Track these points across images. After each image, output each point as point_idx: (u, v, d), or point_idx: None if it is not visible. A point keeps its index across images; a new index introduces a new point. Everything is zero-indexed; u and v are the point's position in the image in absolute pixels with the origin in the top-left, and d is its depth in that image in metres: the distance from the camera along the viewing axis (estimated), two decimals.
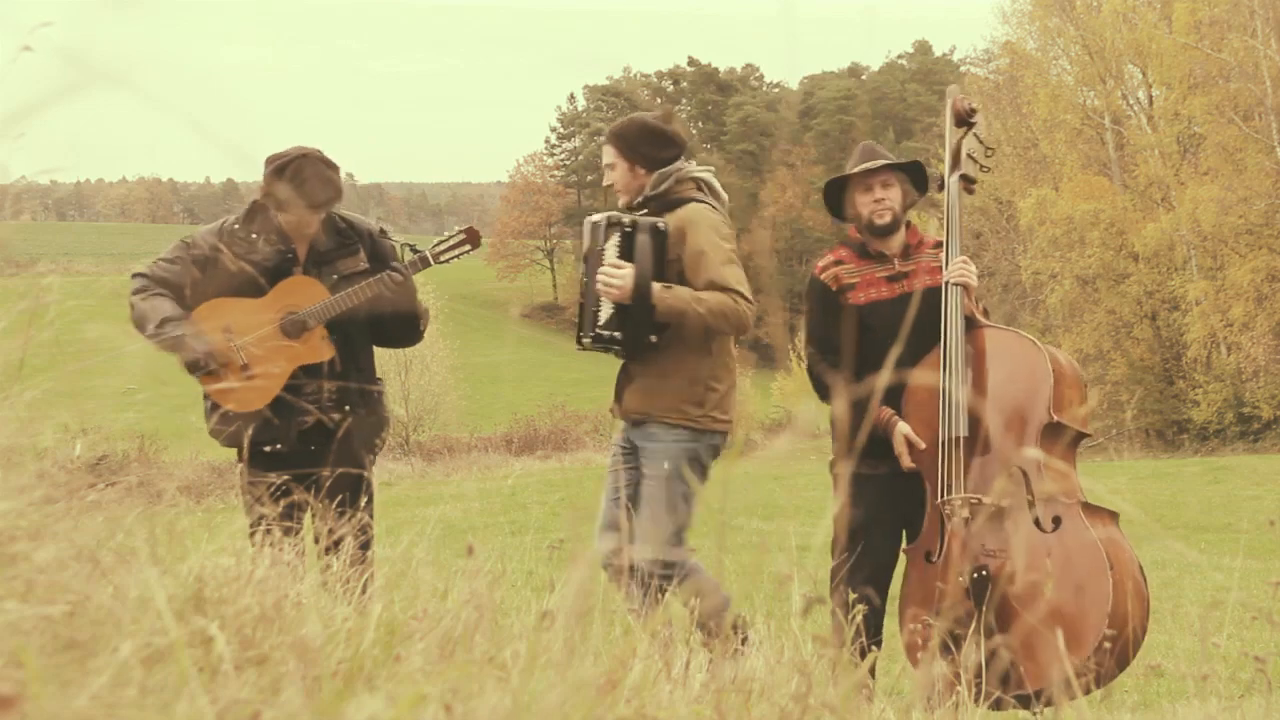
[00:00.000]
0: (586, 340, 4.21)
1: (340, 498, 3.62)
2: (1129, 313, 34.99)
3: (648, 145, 4.29)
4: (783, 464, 19.57)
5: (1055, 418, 4.05)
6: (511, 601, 3.98)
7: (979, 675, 3.70)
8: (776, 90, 77.02)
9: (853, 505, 4.28)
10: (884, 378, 4.12)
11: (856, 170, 4.35)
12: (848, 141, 68.95)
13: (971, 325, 4.22)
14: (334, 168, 4.17)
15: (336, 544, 2.64)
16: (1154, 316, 35.08)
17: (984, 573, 3.91)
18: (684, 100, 75.47)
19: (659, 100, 73.72)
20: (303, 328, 4.11)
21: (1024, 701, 3.79)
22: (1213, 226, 32.01)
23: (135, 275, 4.13)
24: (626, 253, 4.16)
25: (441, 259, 4.42)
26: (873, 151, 4.43)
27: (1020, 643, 3.78)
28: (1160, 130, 34.83)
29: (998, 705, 3.97)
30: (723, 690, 1.91)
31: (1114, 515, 4.05)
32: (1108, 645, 3.67)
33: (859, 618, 4.25)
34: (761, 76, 78.02)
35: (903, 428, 4.18)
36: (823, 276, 4.43)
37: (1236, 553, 9.17)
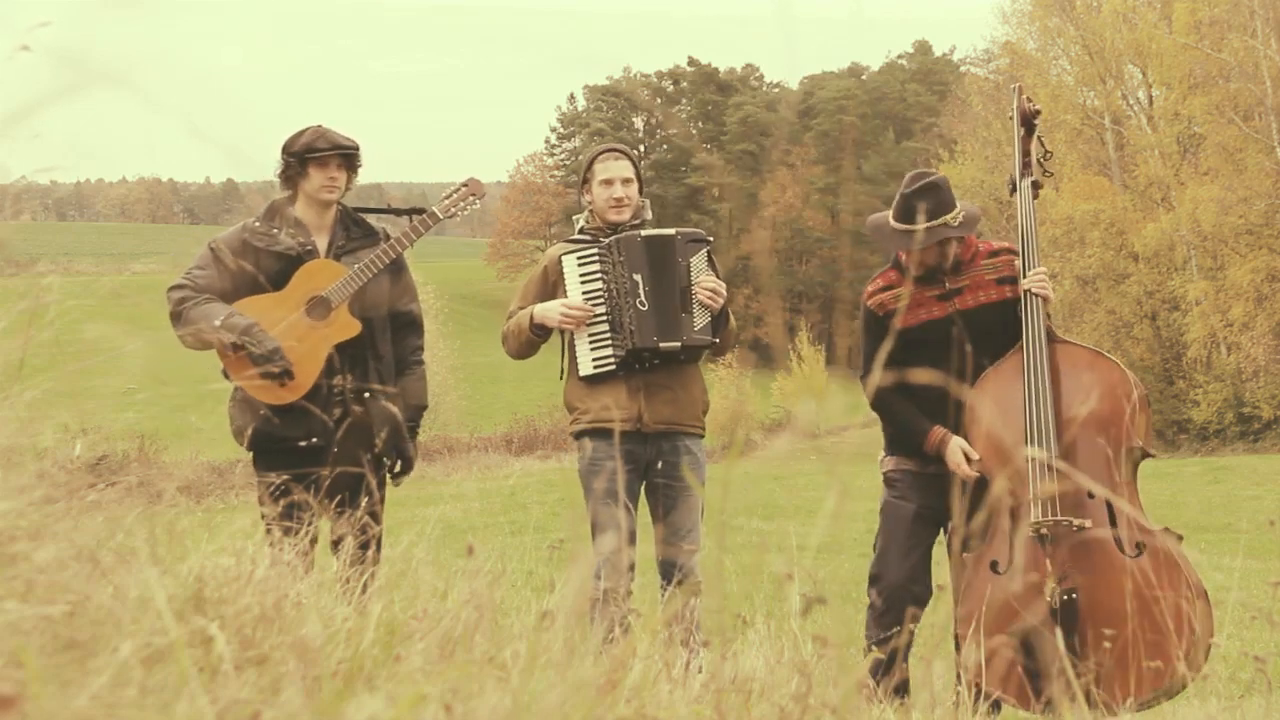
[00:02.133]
0: (672, 344, 4.38)
1: (360, 486, 3.64)
2: (1129, 313, 35.00)
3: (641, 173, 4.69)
4: (783, 464, 19.56)
5: (1139, 443, 3.98)
6: (511, 601, 3.98)
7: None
8: (776, 90, 77.00)
9: (901, 499, 4.27)
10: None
11: (908, 233, 4.07)
12: (848, 142, 68.97)
13: (1050, 339, 4.10)
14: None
15: (362, 541, 2.65)
16: (1154, 316, 35.10)
17: (1072, 595, 3.83)
18: (684, 100, 75.46)
19: (659, 100, 73.73)
20: (328, 307, 4.14)
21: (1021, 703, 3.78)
22: (1213, 226, 32.03)
23: (174, 288, 4.13)
24: (711, 266, 4.52)
25: (450, 213, 4.48)
26: (937, 197, 4.06)
27: (1114, 659, 3.71)
28: (1160, 130, 34.85)
29: (996, 706, 3.98)
30: (723, 690, 1.91)
31: (1179, 536, 3.97)
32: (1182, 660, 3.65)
33: (870, 615, 4.27)
34: (761, 76, 78.00)
35: (957, 442, 4.09)
36: (870, 303, 4.30)
37: (1236, 553, 9.16)
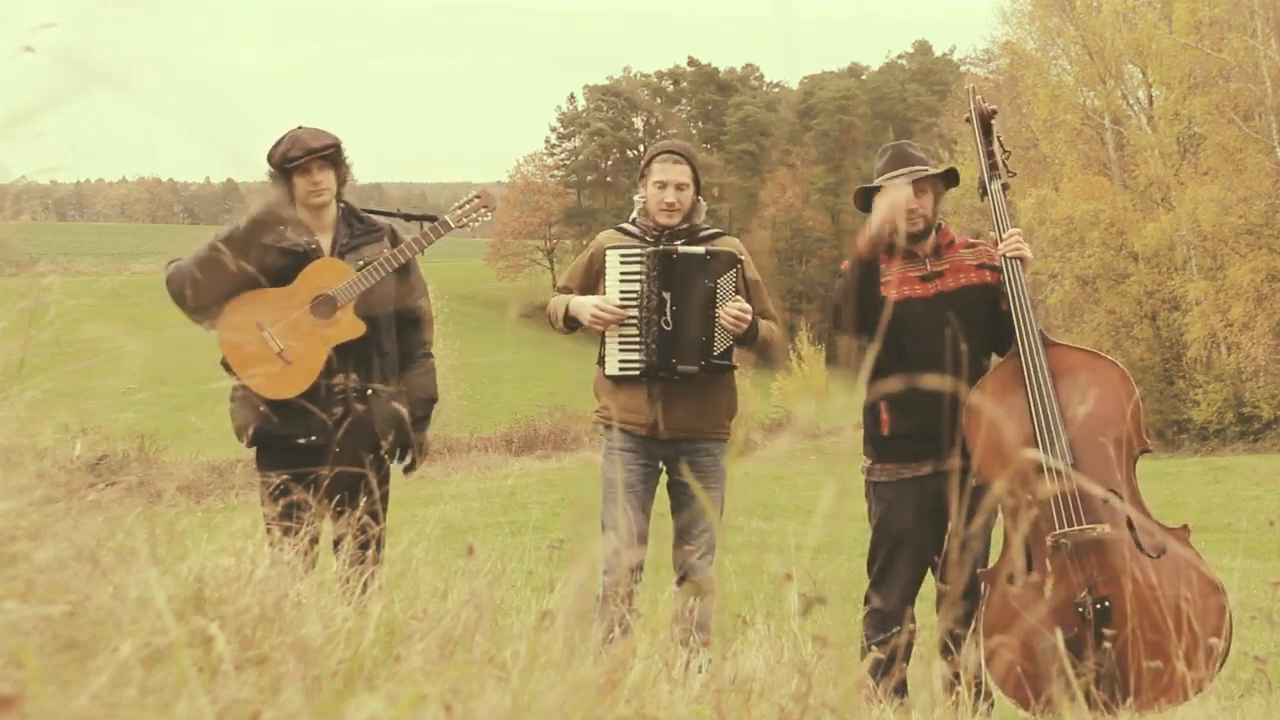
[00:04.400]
0: (689, 368, 4.38)
1: (360, 485, 3.64)
2: (1129, 313, 35.00)
3: (701, 175, 4.62)
4: (783, 464, 19.57)
5: (1147, 442, 3.95)
6: (511, 601, 3.98)
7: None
8: (776, 90, 77.02)
9: (896, 512, 4.24)
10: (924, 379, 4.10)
11: (893, 180, 4.23)
12: (848, 142, 68.98)
13: (1046, 344, 4.06)
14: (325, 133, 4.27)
15: (362, 540, 2.65)
16: (1154, 316, 35.10)
17: (1106, 604, 3.81)
18: (684, 100, 75.46)
19: (659, 100, 73.74)
20: (333, 306, 4.15)
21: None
22: (1213, 226, 32.03)
23: (170, 263, 4.18)
24: (740, 287, 4.46)
25: (461, 224, 4.48)
26: (905, 156, 4.31)
27: (1141, 657, 3.69)
28: (1160, 130, 34.85)
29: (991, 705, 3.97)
30: (723, 690, 1.91)
31: (1187, 529, 3.96)
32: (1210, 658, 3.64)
33: (868, 618, 4.25)
34: (761, 76, 78.03)
35: (883, 199, 4.13)
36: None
37: (1236, 553, 9.15)
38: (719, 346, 4.42)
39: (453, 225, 4.43)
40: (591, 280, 4.57)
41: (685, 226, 4.55)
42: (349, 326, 4.16)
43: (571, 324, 4.51)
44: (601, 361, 4.52)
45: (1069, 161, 36.42)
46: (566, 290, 4.62)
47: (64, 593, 1.49)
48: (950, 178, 4.41)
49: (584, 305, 4.46)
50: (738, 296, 4.44)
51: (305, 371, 4.10)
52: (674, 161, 4.52)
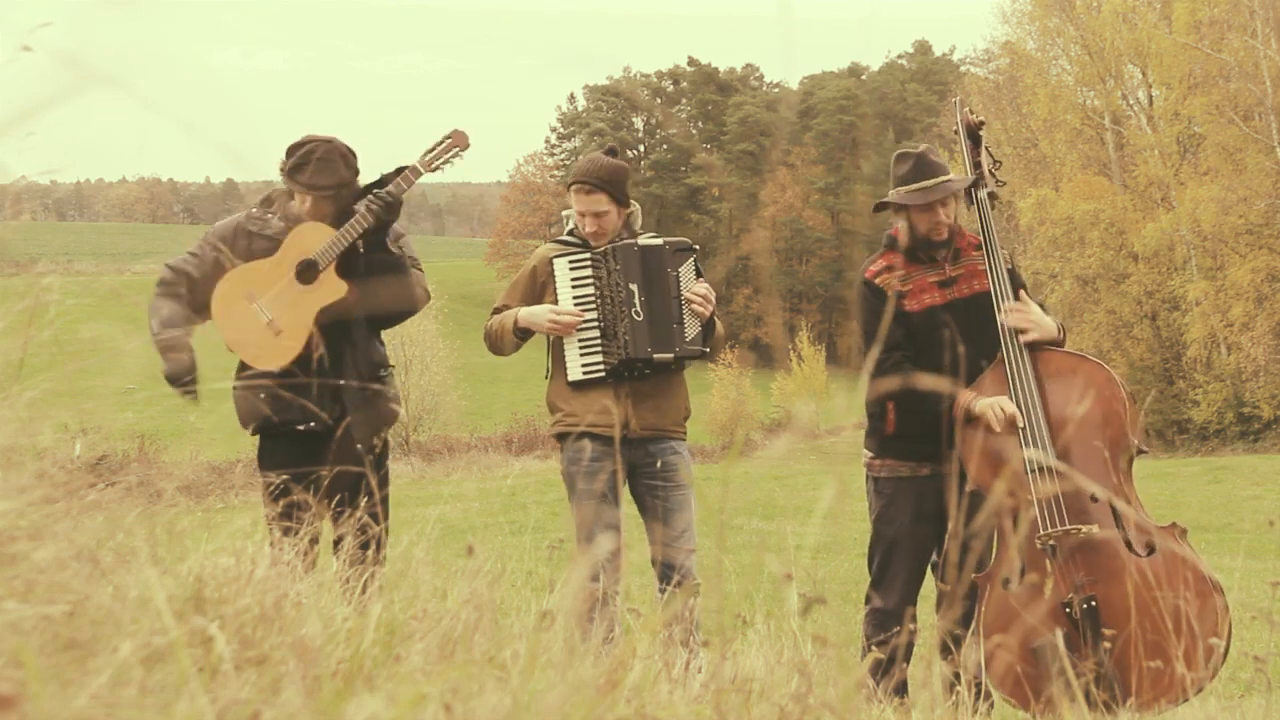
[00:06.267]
0: (665, 355, 4.39)
1: (356, 482, 3.65)
2: (1129, 313, 35.00)
3: (627, 185, 4.53)
4: (783, 464, 19.57)
5: (1134, 440, 3.96)
6: (511, 601, 3.99)
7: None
8: (776, 90, 77.01)
9: (895, 510, 4.25)
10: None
11: (919, 191, 4.23)
12: (848, 142, 68.98)
13: (1034, 347, 4.08)
14: (346, 157, 4.21)
15: (363, 539, 2.66)
16: (1154, 316, 35.10)
17: (1093, 603, 3.81)
18: (684, 100, 75.45)
19: (659, 100, 73.76)
20: (315, 269, 4.15)
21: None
22: (1213, 226, 32.03)
23: (165, 266, 4.20)
24: (698, 274, 4.54)
25: (433, 167, 4.37)
26: (929, 165, 4.26)
27: (1135, 657, 3.70)
28: (1160, 130, 34.85)
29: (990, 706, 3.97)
30: (723, 690, 1.91)
31: (1184, 530, 3.96)
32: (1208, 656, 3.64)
33: (870, 617, 4.27)
34: (761, 76, 78.01)
35: (987, 400, 4.02)
36: (877, 281, 4.28)
37: (1236, 553, 9.15)
38: (690, 333, 4.45)
39: (422, 170, 4.31)
40: (536, 293, 4.52)
41: (626, 237, 4.53)
42: (332, 288, 4.17)
43: (523, 334, 4.47)
44: (559, 371, 4.49)
45: (1069, 161, 36.42)
46: (506, 309, 4.55)
47: (64, 593, 1.49)
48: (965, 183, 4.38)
49: (538, 313, 4.42)
50: (698, 281, 4.51)
51: (294, 340, 4.12)
52: (586, 193, 4.44)
